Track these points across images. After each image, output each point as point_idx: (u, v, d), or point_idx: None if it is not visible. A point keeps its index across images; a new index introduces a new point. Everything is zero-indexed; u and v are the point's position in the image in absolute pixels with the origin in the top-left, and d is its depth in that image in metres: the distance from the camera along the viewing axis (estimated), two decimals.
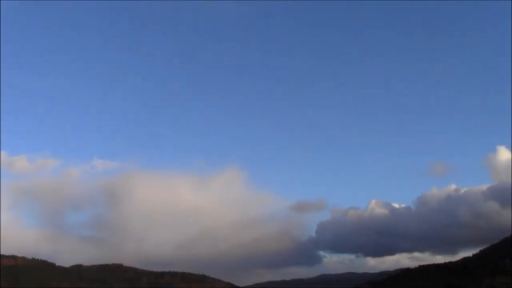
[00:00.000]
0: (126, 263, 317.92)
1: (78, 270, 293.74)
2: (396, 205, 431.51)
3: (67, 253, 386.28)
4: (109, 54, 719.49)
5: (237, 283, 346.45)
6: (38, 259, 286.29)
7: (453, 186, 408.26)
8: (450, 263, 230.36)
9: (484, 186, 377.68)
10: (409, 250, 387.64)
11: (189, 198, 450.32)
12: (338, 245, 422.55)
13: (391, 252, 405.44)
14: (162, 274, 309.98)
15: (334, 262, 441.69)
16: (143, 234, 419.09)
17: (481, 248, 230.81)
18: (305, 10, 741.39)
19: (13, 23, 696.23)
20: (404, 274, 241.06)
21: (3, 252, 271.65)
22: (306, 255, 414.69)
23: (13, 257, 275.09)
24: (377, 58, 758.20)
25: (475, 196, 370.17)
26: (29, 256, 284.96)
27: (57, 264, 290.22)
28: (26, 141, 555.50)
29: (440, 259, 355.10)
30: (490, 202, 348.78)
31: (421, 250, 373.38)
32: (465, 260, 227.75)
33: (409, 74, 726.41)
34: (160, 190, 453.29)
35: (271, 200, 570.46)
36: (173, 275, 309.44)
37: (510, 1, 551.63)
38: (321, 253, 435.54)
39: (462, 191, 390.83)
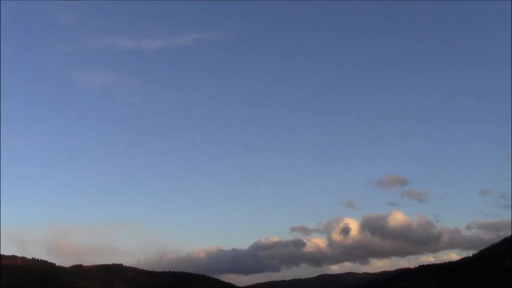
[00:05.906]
0: (126, 263, 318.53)
1: (78, 270, 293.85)
2: None
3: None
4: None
5: (237, 283, 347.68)
6: (38, 259, 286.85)
7: None
8: (450, 263, 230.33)
9: None
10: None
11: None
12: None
13: None
14: (162, 274, 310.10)
15: None
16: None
17: (481, 248, 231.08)
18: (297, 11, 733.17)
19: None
20: (404, 274, 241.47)
21: (3, 252, 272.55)
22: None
23: (13, 257, 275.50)
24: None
25: None
26: (29, 256, 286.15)
27: (57, 264, 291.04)
28: None
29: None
30: None
31: None
32: (465, 260, 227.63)
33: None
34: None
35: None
36: (173, 275, 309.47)
37: (510, 1, 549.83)
38: None
39: None
